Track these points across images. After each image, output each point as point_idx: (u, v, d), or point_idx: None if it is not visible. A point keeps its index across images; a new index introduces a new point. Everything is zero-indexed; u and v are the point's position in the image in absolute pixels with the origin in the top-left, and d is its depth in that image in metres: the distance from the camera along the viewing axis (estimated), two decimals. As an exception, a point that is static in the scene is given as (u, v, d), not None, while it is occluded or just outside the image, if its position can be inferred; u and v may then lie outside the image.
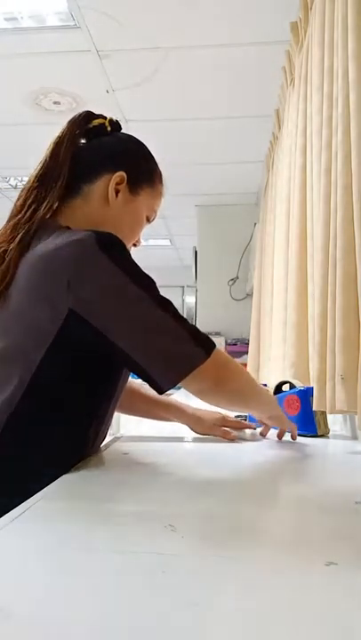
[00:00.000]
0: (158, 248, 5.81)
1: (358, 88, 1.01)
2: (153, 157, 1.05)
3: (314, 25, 1.51)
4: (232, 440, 1.12)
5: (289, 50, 2.00)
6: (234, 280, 4.21)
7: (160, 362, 0.81)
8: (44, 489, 0.69)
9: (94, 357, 0.86)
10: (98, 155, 0.98)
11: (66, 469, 0.81)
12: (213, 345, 0.85)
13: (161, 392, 0.83)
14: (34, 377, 0.82)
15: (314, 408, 1.17)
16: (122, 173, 0.96)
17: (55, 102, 2.69)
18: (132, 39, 2.16)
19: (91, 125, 1.00)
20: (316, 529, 0.58)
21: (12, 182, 3.85)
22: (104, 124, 1.01)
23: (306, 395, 1.20)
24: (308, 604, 0.39)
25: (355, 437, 1.24)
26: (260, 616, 0.38)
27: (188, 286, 7.09)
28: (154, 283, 0.85)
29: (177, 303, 7.30)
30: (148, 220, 1.04)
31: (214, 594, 0.41)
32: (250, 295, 3.72)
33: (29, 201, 0.91)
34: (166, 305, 0.83)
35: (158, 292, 0.85)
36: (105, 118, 1.02)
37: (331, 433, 1.26)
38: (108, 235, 0.83)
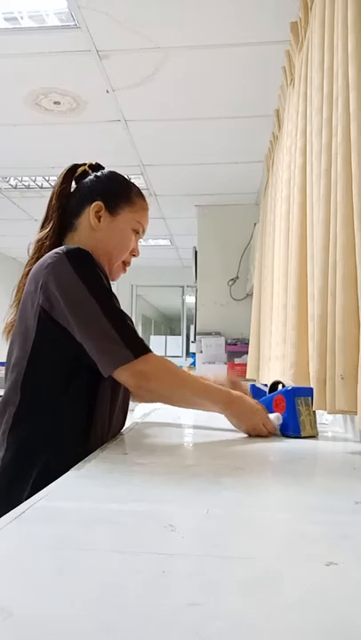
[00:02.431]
0: (158, 248, 5.81)
1: (358, 88, 1.01)
2: (127, 180, 1.25)
3: (314, 25, 1.51)
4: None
5: (289, 50, 2.00)
6: (234, 280, 4.22)
7: (98, 356, 1.01)
8: (44, 489, 0.69)
9: (74, 348, 1.02)
10: (80, 194, 1.21)
11: (73, 446, 1.00)
12: (145, 350, 1.02)
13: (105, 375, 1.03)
14: (30, 363, 1.04)
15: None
16: (98, 202, 1.17)
17: (55, 102, 2.69)
18: (132, 39, 2.16)
19: (76, 174, 1.23)
20: (317, 529, 0.58)
21: (12, 182, 3.85)
22: (85, 169, 1.24)
23: (291, 395, 1.19)
24: (308, 604, 0.39)
25: (355, 437, 1.24)
26: (260, 616, 0.38)
27: (188, 286, 7.10)
28: (107, 292, 1.04)
29: (177, 303, 7.29)
30: (138, 233, 1.23)
31: (214, 594, 0.41)
32: (250, 295, 3.72)
33: (39, 242, 1.17)
34: (111, 312, 1.02)
35: (110, 300, 1.03)
36: (85, 164, 1.25)
37: (331, 433, 1.26)
38: (76, 248, 1.06)
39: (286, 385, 1.27)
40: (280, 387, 1.29)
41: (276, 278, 2.15)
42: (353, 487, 0.78)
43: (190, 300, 6.78)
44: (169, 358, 1.17)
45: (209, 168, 3.61)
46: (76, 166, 1.24)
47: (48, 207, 1.20)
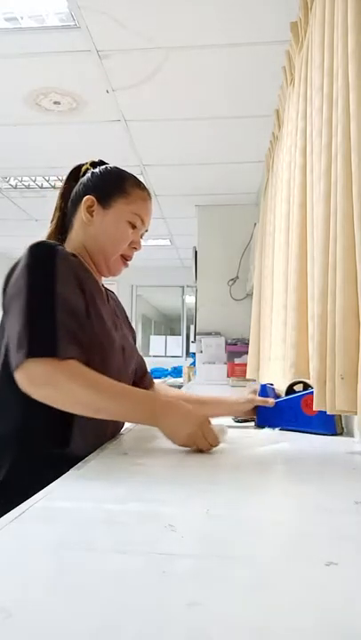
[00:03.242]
0: (158, 248, 5.81)
1: (358, 88, 1.01)
2: (123, 172, 1.20)
3: (314, 25, 1.51)
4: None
5: (289, 50, 2.00)
6: (234, 280, 4.21)
7: (11, 353, 0.94)
8: (44, 489, 0.69)
9: None
10: (77, 191, 1.18)
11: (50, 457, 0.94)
12: (50, 351, 0.91)
13: None
14: (4, 361, 0.99)
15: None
16: (89, 197, 1.14)
17: (55, 102, 2.69)
18: (132, 39, 2.15)
19: (81, 173, 1.21)
20: (317, 529, 0.58)
21: (12, 182, 3.84)
22: (87, 167, 1.21)
23: None
24: (308, 604, 0.39)
25: (355, 437, 1.24)
26: (260, 616, 0.38)
27: (188, 286, 7.10)
28: (44, 286, 0.96)
29: (177, 303, 7.26)
30: (135, 226, 1.16)
31: (214, 594, 0.41)
32: (250, 295, 3.72)
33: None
34: (34, 306, 0.94)
35: (42, 294, 0.95)
36: (87, 163, 1.22)
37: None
38: (39, 242, 1.03)
39: (311, 385, 1.27)
40: (299, 387, 1.30)
41: (276, 278, 2.15)
42: (353, 487, 0.78)
43: (190, 300, 6.77)
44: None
45: (209, 168, 3.61)
46: (80, 166, 1.23)
47: (54, 209, 1.20)
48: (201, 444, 0.96)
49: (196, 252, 4.42)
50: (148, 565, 0.46)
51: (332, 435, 1.20)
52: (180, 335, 7.92)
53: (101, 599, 0.40)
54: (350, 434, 1.26)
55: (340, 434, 1.23)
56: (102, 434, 1.10)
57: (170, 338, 8.41)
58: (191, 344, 5.60)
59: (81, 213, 1.14)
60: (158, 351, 7.76)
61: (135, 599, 0.40)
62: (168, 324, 11.59)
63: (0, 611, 0.37)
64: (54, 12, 2.01)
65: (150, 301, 9.27)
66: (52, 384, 0.91)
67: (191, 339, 5.46)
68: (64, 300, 0.96)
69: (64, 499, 0.68)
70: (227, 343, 4.04)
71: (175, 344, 7.99)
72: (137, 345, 1.35)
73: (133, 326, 1.37)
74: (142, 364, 1.35)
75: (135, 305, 7.21)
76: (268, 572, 0.46)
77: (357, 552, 0.50)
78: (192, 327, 4.95)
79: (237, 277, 4.20)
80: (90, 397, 0.94)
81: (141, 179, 1.25)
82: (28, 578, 0.44)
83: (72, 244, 1.16)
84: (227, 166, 3.56)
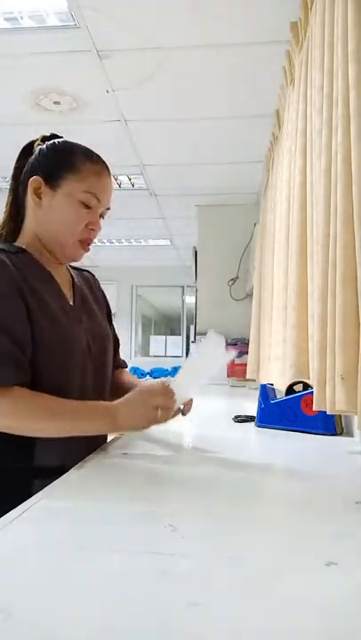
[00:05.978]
0: (158, 248, 5.81)
1: (358, 88, 1.01)
2: (70, 144, 1.09)
3: (314, 25, 1.51)
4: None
5: (289, 50, 2.00)
6: (234, 280, 4.21)
7: None
8: (44, 489, 0.69)
9: None
10: (25, 172, 1.08)
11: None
12: None
13: None
14: None
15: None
16: (35, 178, 1.04)
17: (55, 102, 2.69)
18: (132, 39, 2.15)
19: (33, 150, 1.10)
20: (317, 529, 0.58)
21: (12, 182, 3.85)
22: (38, 143, 1.10)
23: None
24: (308, 604, 0.39)
25: (355, 437, 1.25)
26: (261, 616, 0.38)
27: (188, 286, 7.10)
28: None
29: (177, 303, 7.23)
30: (89, 206, 1.04)
31: (214, 594, 0.41)
32: (250, 295, 3.72)
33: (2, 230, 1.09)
34: None
35: None
36: (38, 138, 1.11)
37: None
38: None
39: (311, 385, 1.28)
40: (299, 387, 1.30)
41: (276, 278, 2.15)
42: (353, 487, 0.78)
43: (190, 300, 6.77)
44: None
45: (209, 168, 3.60)
46: (32, 143, 1.12)
47: (8, 192, 1.11)
48: (158, 418, 0.93)
49: (196, 252, 4.42)
50: (148, 565, 0.46)
51: (332, 435, 1.20)
52: (180, 335, 7.93)
53: (101, 599, 0.40)
54: (350, 434, 1.26)
55: (340, 434, 1.23)
56: (77, 442, 0.96)
57: (170, 338, 8.41)
58: (191, 344, 5.61)
59: (29, 197, 1.04)
60: (158, 351, 7.77)
61: (135, 599, 0.40)
62: (168, 324, 11.59)
63: (0, 610, 0.37)
64: (54, 11, 2.01)
65: (150, 301, 9.27)
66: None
67: (191, 339, 5.46)
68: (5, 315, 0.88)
69: (64, 499, 0.68)
70: (227, 343, 4.04)
71: (175, 344, 7.99)
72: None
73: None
74: (116, 346, 1.24)
75: (135, 305, 7.21)
76: (269, 572, 0.46)
77: (357, 552, 0.50)
78: (192, 327, 4.94)
79: (237, 277, 4.20)
80: (40, 425, 0.90)
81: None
82: (28, 578, 0.44)
83: (26, 231, 1.07)
84: (227, 166, 3.56)
